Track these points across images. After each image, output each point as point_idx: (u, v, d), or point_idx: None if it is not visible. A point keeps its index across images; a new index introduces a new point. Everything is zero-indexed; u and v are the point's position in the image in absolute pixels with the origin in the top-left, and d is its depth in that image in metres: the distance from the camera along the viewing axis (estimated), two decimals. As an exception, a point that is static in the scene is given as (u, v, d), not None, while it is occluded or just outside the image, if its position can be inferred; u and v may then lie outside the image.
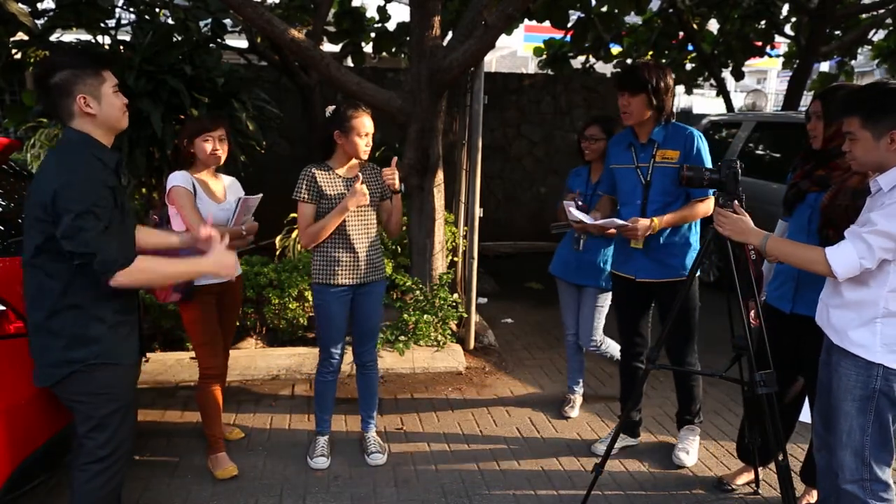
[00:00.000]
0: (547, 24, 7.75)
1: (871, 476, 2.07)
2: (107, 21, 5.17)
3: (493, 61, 17.26)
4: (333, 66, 4.34)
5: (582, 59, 9.52)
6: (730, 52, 9.13)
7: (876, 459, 2.06)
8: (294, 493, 2.88)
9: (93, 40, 5.13)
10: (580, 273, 3.48)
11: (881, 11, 8.13)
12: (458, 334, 4.65)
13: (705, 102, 17.58)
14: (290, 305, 4.29)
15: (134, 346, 2.21)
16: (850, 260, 1.97)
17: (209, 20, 5.32)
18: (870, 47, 9.66)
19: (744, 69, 9.70)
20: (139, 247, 2.21)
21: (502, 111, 8.22)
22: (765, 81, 25.21)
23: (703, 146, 2.87)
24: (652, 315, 3.20)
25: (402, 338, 4.38)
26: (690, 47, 9.21)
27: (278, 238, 5.26)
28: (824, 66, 12.20)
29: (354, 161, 2.98)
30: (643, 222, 2.82)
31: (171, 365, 4.01)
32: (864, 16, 8.72)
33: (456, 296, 4.68)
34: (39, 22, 4.89)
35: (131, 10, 5.64)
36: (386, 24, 8.14)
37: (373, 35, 8.14)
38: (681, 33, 9.03)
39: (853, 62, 10.08)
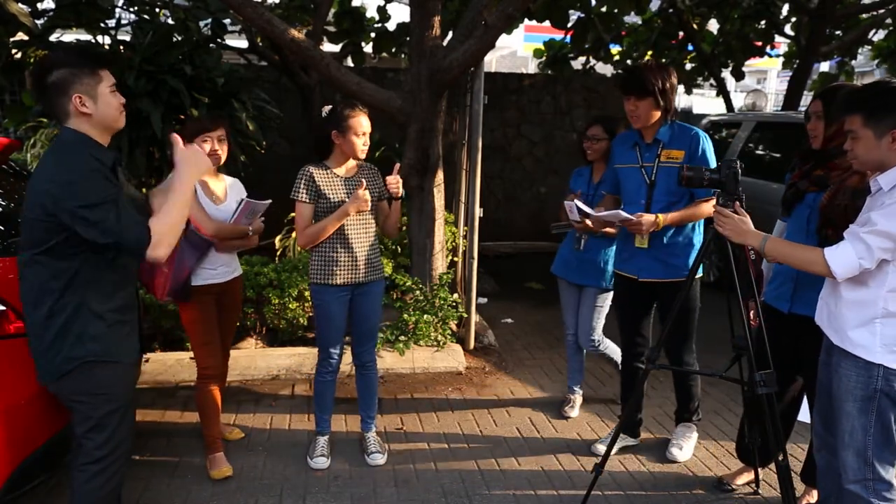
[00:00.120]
0: (547, 24, 7.75)
1: (875, 476, 2.07)
2: (107, 21, 5.16)
3: (493, 61, 17.25)
4: (333, 66, 4.34)
5: (582, 60, 9.52)
6: (730, 52, 9.13)
7: (879, 459, 2.06)
8: (294, 493, 2.88)
9: (93, 40, 5.13)
10: (581, 273, 3.48)
11: (881, 11, 8.13)
12: (458, 334, 4.65)
13: (705, 102, 17.57)
14: (290, 305, 4.29)
15: (133, 345, 2.21)
16: (849, 260, 1.97)
17: (209, 20, 5.31)
18: (870, 47, 9.65)
19: (744, 69, 9.69)
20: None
21: (502, 111, 8.22)
22: (765, 81, 25.21)
23: (709, 146, 2.87)
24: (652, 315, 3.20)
25: (402, 338, 4.38)
26: (690, 47, 9.21)
27: (278, 238, 5.26)
28: (824, 66, 12.20)
29: (353, 161, 2.98)
30: (648, 217, 2.82)
31: (171, 365, 4.01)
32: (864, 16, 8.72)
33: (456, 296, 4.68)
34: (39, 22, 4.89)
35: (131, 10, 5.64)
36: (386, 24, 8.14)
37: (373, 35, 8.14)
38: (681, 33, 9.03)
39: (853, 62, 10.07)
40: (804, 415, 2.83)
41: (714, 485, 3.00)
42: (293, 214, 2.93)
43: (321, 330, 3.02)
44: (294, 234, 4.95)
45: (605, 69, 9.92)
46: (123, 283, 2.14)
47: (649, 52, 9.28)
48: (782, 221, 2.70)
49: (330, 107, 2.94)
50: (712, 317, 3.15)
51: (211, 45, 5.09)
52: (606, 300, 3.48)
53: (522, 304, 5.81)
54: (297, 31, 4.29)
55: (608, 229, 3.28)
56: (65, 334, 2.02)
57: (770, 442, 2.45)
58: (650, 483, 3.03)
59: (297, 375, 4.03)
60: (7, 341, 2.25)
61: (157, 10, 5.81)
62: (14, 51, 4.79)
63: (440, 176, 4.64)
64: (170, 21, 5.36)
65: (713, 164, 2.85)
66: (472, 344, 4.57)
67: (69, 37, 6.02)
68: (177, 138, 2.13)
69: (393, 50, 8.27)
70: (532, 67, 13.72)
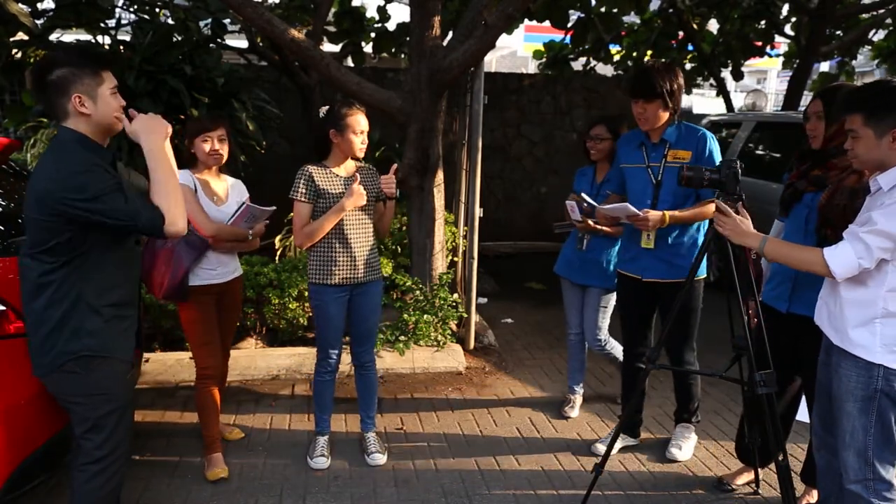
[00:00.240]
0: (547, 24, 7.75)
1: (875, 476, 2.07)
2: (107, 21, 5.17)
3: (493, 61, 17.25)
4: (333, 66, 4.34)
5: (583, 60, 9.52)
6: (730, 52, 9.12)
7: (879, 459, 2.06)
8: (294, 493, 2.88)
9: (93, 40, 5.13)
10: (584, 273, 3.48)
11: (881, 11, 8.12)
12: (458, 334, 4.65)
13: (705, 102, 17.56)
14: (290, 305, 4.29)
15: (130, 342, 2.21)
16: (849, 260, 1.97)
17: (209, 20, 5.32)
18: (870, 47, 9.65)
19: (744, 69, 9.69)
20: None
21: (502, 111, 8.23)
22: (765, 81, 25.21)
23: (716, 147, 2.87)
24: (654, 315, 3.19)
25: (402, 338, 4.38)
26: (690, 47, 9.21)
27: (278, 238, 5.26)
28: (824, 66, 12.19)
29: (351, 161, 2.98)
30: (655, 214, 2.82)
31: (171, 365, 4.01)
32: (864, 16, 8.71)
33: (456, 296, 4.68)
34: (39, 22, 4.89)
35: (131, 10, 5.64)
36: (386, 24, 8.14)
37: (373, 35, 8.14)
38: (681, 33, 9.02)
39: (853, 62, 10.07)
40: (803, 414, 2.83)
41: (714, 485, 3.00)
42: (293, 214, 2.93)
43: (320, 330, 3.02)
44: (294, 234, 4.96)
45: (606, 70, 9.92)
46: (123, 279, 2.14)
47: (649, 52, 9.28)
48: (780, 221, 2.70)
49: (327, 107, 2.94)
50: (712, 317, 3.15)
51: (211, 45, 5.10)
52: (611, 300, 3.48)
53: (522, 304, 5.81)
54: (297, 31, 4.29)
55: (609, 228, 3.28)
56: (61, 328, 2.02)
57: (770, 442, 2.45)
58: (650, 483, 3.03)
59: (297, 375, 4.03)
60: (7, 341, 2.25)
61: (157, 10, 5.81)
62: (14, 51, 4.79)
63: (440, 176, 4.64)
64: (170, 21, 5.36)
65: None
66: (472, 344, 4.57)
67: (69, 37, 6.03)
68: (122, 118, 2.07)
69: (393, 50, 8.26)
70: (532, 67, 13.72)
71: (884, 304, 1.98)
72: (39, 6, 5.16)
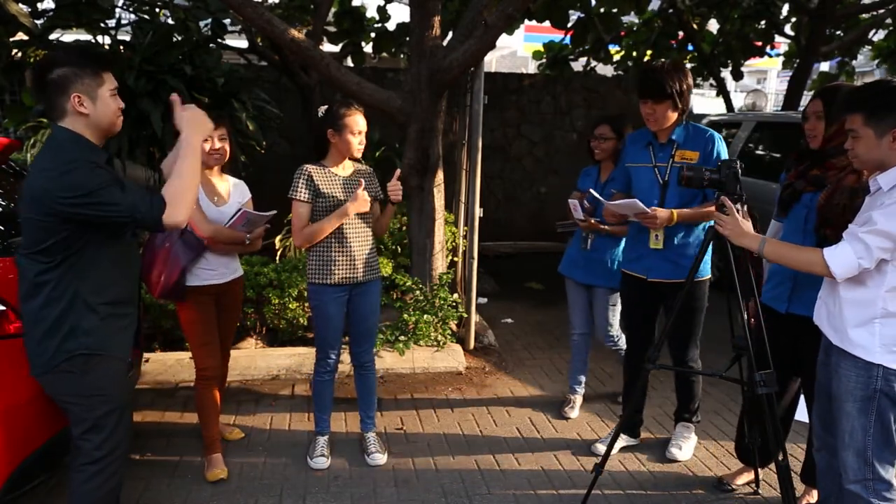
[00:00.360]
0: (547, 24, 7.75)
1: (875, 476, 2.07)
2: (107, 21, 5.16)
3: (493, 61, 17.25)
4: (333, 66, 4.34)
5: (583, 61, 9.52)
6: (730, 52, 9.12)
7: (879, 459, 2.06)
8: (294, 493, 2.88)
9: (93, 40, 5.13)
10: (588, 272, 3.48)
11: (881, 11, 8.12)
12: (458, 334, 4.65)
13: (705, 102, 17.56)
14: (290, 305, 4.29)
15: (127, 341, 2.20)
16: (849, 260, 1.97)
17: (209, 20, 5.32)
18: (870, 47, 9.65)
19: (744, 69, 9.69)
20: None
21: (502, 111, 8.23)
22: (765, 81, 25.21)
23: (723, 149, 2.87)
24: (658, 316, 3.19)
25: (402, 338, 4.38)
26: (690, 47, 9.21)
27: (278, 238, 5.26)
28: (824, 66, 12.19)
29: (350, 161, 2.98)
30: (663, 212, 2.82)
31: (171, 365, 4.01)
32: (864, 16, 8.71)
33: (456, 296, 4.68)
34: (39, 22, 4.89)
35: (131, 10, 5.64)
36: (386, 24, 8.14)
37: (373, 35, 8.14)
38: (681, 33, 9.02)
39: (853, 62, 10.07)
40: (801, 414, 2.83)
41: (714, 485, 3.00)
42: (292, 215, 2.93)
43: (319, 330, 3.02)
44: (295, 234, 4.96)
45: (606, 70, 9.92)
46: (120, 276, 2.14)
47: (649, 52, 9.28)
48: (777, 222, 2.70)
49: (326, 107, 2.94)
50: (712, 317, 3.15)
51: (211, 45, 5.09)
52: (619, 297, 3.47)
53: (522, 304, 5.81)
54: (297, 31, 4.29)
55: (611, 227, 3.28)
56: (59, 326, 2.02)
57: (770, 442, 2.45)
58: (650, 483, 3.03)
59: (297, 375, 4.03)
60: (7, 341, 2.25)
61: (157, 10, 5.81)
62: (14, 51, 4.79)
63: (440, 176, 4.64)
64: (170, 21, 5.36)
65: None
66: (472, 344, 4.57)
67: (69, 37, 6.03)
68: (176, 100, 2.14)
69: (393, 50, 8.27)
70: (532, 67, 13.72)
71: (883, 304, 1.98)
72: (39, 6, 5.16)
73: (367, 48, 8.25)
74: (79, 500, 2.14)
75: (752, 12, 8.50)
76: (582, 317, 3.63)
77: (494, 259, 7.49)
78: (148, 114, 4.09)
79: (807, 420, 2.62)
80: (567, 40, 8.98)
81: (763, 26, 8.93)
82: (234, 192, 3.04)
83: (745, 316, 2.42)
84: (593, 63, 9.40)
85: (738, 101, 14.10)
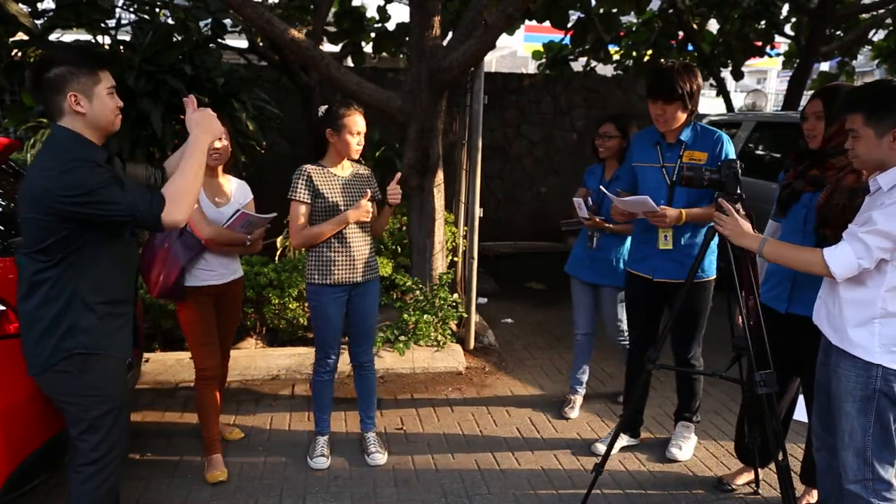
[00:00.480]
0: (547, 24, 7.75)
1: (874, 476, 2.07)
2: (107, 21, 5.17)
3: (493, 61, 17.25)
4: (333, 66, 4.34)
5: (583, 61, 9.52)
6: (730, 52, 9.12)
7: (878, 459, 2.06)
8: (294, 493, 2.88)
9: (93, 40, 5.13)
10: (594, 271, 3.48)
11: (881, 11, 8.12)
12: (458, 334, 4.65)
13: (705, 102, 17.56)
14: (290, 305, 4.29)
15: (125, 340, 2.20)
16: (848, 261, 1.97)
17: (209, 20, 5.32)
18: (870, 47, 9.65)
19: (744, 69, 9.68)
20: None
21: (502, 111, 8.22)
22: (765, 81, 25.21)
23: (731, 150, 2.86)
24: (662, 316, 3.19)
25: (402, 338, 4.38)
26: (690, 47, 9.21)
27: (279, 238, 5.26)
28: (824, 66, 12.19)
29: (349, 161, 2.98)
30: (673, 211, 2.81)
31: (171, 365, 4.01)
32: (864, 16, 8.71)
33: (456, 296, 4.68)
34: (39, 22, 4.89)
35: (131, 10, 5.64)
36: (386, 24, 8.14)
37: (373, 35, 8.14)
38: (681, 33, 9.02)
39: (853, 62, 10.07)
40: (800, 414, 2.84)
41: (714, 485, 3.00)
42: (290, 215, 2.92)
43: (318, 330, 3.02)
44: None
45: (606, 70, 9.92)
46: (118, 275, 2.14)
47: (649, 52, 9.28)
48: (775, 222, 2.70)
49: (326, 106, 2.94)
50: (712, 317, 3.15)
51: (211, 45, 5.09)
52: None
53: (522, 304, 5.81)
54: (297, 31, 4.28)
55: (614, 226, 3.28)
56: (56, 325, 2.02)
57: (770, 442, 2.45)
58: (650, 483, 3.03)
59: (297, 375, 4.03)
60: (7, 341, 2.25)
61: (157, 10, 5.81)
62: (14, 51, 4.79)
63: (440, 176, 4.64)
64: (170, 21, 5.37)
65: None
66: (472, 344, 4.57)
67: (69, 37, 6.03)
68: (190, 100, 2.16)
69: (393, 50, 8.27)
70: (532, 67, 13.72)
71: (883, 304, 1.98)
72: (39, 6, 5.17)
73: (367, 48, 8.25)
74: (77, 500, 2.14)
75: (752, 12, 8.50)
76: (586, 317, 3.63)
77: (494, 259, 7.49)
78: (148, 114, 4.09)
79: (806, 420, 2.62)
80: (567, 40, 8.97)
81: (763, 26, 8.93)
82: (236, 192, 3.04)
83: (745, 314, 2.42)
84: (593, 63, 9.40)
85: (738, 101, 14.11)
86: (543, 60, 9.80)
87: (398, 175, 2.99)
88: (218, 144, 2.88)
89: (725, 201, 2.31)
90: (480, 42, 4.00)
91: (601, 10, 8.03)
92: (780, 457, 2.41)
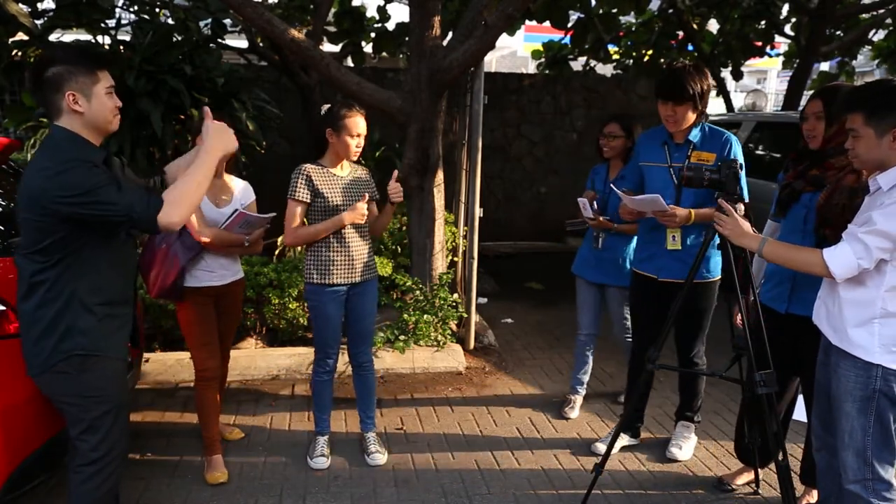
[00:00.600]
0: (547, 24, 7.75)
1: (874, 476, 2.07)
2: (107, 21, 5.17)
3: (493, 61, 17.25)
4: (333, 66, 4.34)
5: (582, 60, 9.52)
6: (730, 52, 9.12)
7: (878, 459, 2.06)
8: (294, 493, 2.88)
9: (93, 40, 5.13)
10: (599, 271, 3.48)
11: (881, 11, 8.12)
12: (458, 334, 4.65)
13: (705, 102, 17.56)
14: (290, 305, 4.29)
15: (124, 340, 2.20)
16: (848, 261, 1.97)
17: (209, 20, 5.32)
18: (870, 47, 9.65)
19: (744, 69, 9.68)
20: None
21: (502, 111, 8.22)
22: (765, 81, 25.21)
23: (739, 152, 2.85)
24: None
25: (402, 337, 4.38)
26: (690, 47, 9.21)
27: (280, 238, 5.26)
28: (824, 66, 12.19)
29: (347, 161, 2.98)
30: (682, 211, 2.81)
31: (171, 365, 4.01)
32: (864, 16, 8.71)
33: (456, 296, 4.68)
34: (39, 22, 4.89)
35: (131, 10, 5.64)
36: (386, 24, 8.14)
37: (373, 35, 8.14)
38: (681, 33, 9.02)
39: (853, 62, 10.07)
40: (800, 414, 2.83)
41: (714, 485, 3.00)
42: (286, 214, 2.92)
43: (318, 330, 3.02)
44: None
45: (606, 70, 9.92)
46: (116, 276, 2.14)
47: (649, 52, 9.28)
48: (773, 222, 2.69)
49: (328, 106, 2.94)
50: (712, 317, 3.15)
51: (211, 45, 5.09)
52: None
53: (522, 304, 5.80)
54: (297, 31, 4.28)
55: (621, 226, 3.27)
56: (55, 326, 2.02)
57: (770, 442, 2.45)
58: (650, 483, 3.03)
59: (297, 375, 4.03)
60: (7, 341, 2.25)
61: (157, 10, 5.81)
62: (14, 51, 4.79)
63: (440, 176, 4.64)
64: (170, 21, 5.37)
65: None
66: (472, 344, 4.57)
67: (69, 37, 6.03)
68: (207, 111, 2.17)
69: (393, 50, 8.27)
70: (532, 67, 13.72)
71: (882, 304, 1.98)
72: (39, 6, 5.17)
73: (367, 48, 8.25)
74: (77, 500, 2.14)
75: (752, 12, 8.49)
76: (590, 317, 3.62)
77: (494, 259, 7.49)
78: (148, 114, 4.09)
79: (805, 420, 2.62)
80: (567, 40, 8.98)
81: (763, 26, 8.92)
82: (238, 193, 3.04)
83: (744, 314, 2.42)
84: (593, 63, 9.40)
85: (738, 101, 14.11)
86: (543, 60, 9.80)
87: (396, 173, 2.99)
88: None
89: (725, 201, 2.31)
90: (480, 42, 4.00)
91: (601, 10, 8.03)
92: (780, 457, 2.41)
